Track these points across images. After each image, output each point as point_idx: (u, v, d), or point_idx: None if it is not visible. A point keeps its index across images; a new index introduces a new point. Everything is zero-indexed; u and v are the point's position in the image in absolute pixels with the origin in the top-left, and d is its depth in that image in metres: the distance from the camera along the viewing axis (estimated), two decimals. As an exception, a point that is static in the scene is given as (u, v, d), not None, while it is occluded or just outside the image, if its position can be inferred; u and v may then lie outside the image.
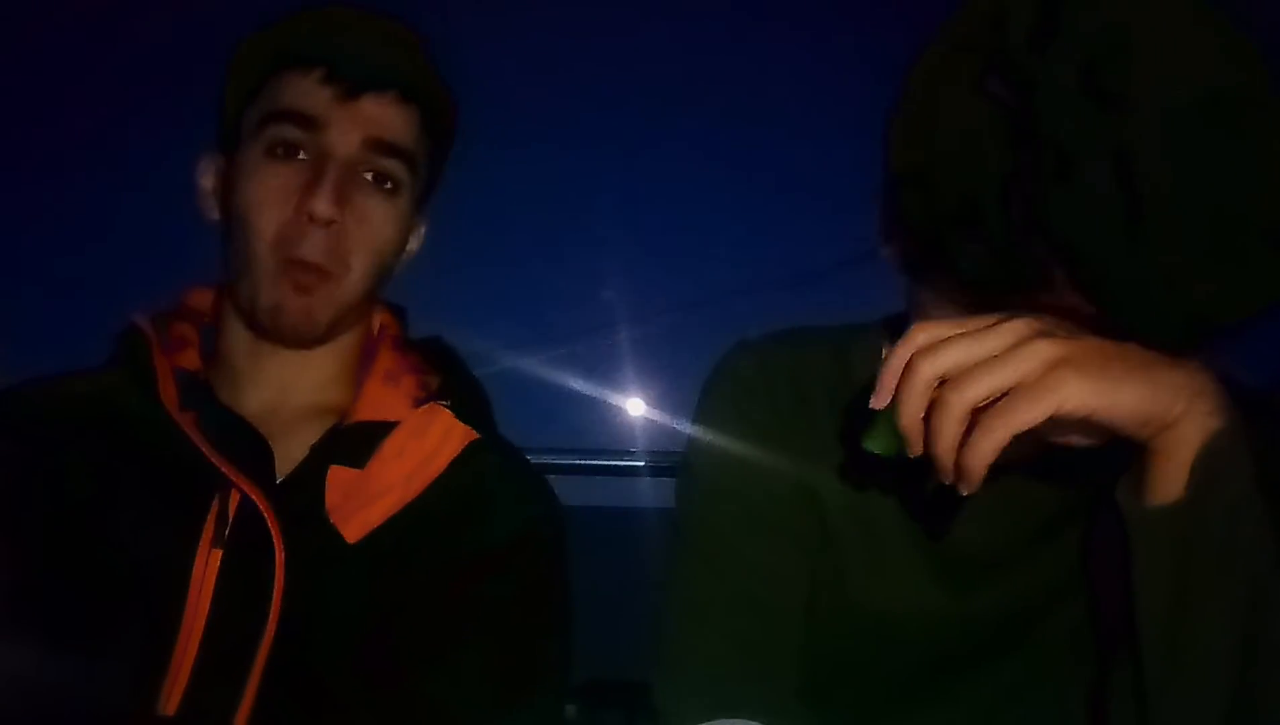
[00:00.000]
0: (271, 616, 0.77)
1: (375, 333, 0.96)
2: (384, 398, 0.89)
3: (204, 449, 0.80)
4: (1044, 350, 0.57)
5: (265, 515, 0.78)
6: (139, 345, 0.88)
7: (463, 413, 0.89)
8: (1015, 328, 0.58)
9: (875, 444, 0.61)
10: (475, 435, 0.88)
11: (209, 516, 0.80)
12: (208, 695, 0.75)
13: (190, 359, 0.89)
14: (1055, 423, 0.57)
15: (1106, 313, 0.58)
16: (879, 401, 0.60)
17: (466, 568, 0.83)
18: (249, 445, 0.84)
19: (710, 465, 0.83)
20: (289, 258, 0.83)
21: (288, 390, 0.89)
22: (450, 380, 0.93)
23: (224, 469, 0.80)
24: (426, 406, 0.88)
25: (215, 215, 0.90)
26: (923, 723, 0.79)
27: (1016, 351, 0.57)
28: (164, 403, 0.83)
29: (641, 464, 1.72)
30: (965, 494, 0.58)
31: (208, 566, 0.78)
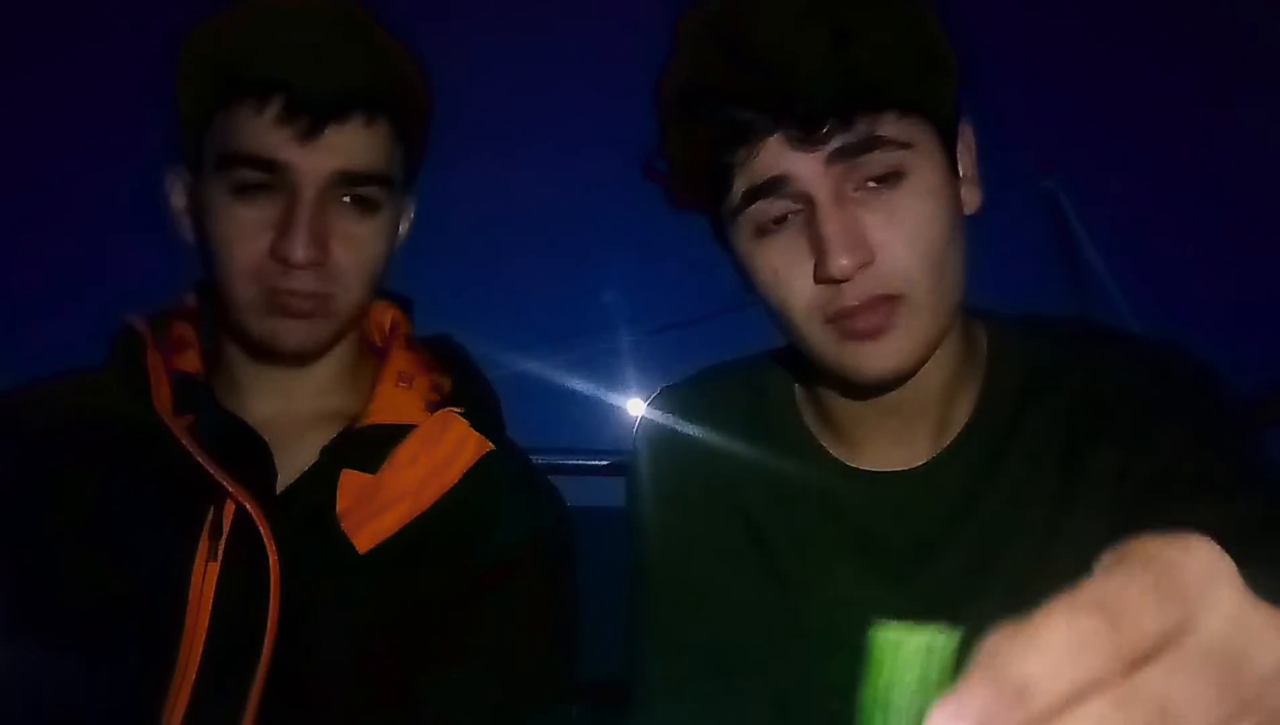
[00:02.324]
0: (269, 630, 0.75)
1: (386, 330, 0.93)
2: (397, 399, 0.87)
3: (196, 454, 0.78)
4: None
5: (260, 526, 0.76)
6: (133, 347, 0.85)
7: (476, 420, 0.87)
8: None
9: None
10: (489, 447, 0.86)
11: (204, 528, 0.78)
12: (211, 711, 0.75)
13: (190, 361, 0.86)
14: None
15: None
16: None
17: (475, 578, 0.82)
18: (248, 450, 0.81)
19: (652, 505, 0.86)
20: (275, 288, 0.78)
21: (292, 397, 0.86)
22: (461, 383, 0.91)
23: (217, 476, 0.77)
24: (440, 413, 0.86)
25: (190, 236, 0.84)
26: None
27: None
28: (156, 407, 0.81)
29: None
30: None
31: (205, 580, 0.76)
